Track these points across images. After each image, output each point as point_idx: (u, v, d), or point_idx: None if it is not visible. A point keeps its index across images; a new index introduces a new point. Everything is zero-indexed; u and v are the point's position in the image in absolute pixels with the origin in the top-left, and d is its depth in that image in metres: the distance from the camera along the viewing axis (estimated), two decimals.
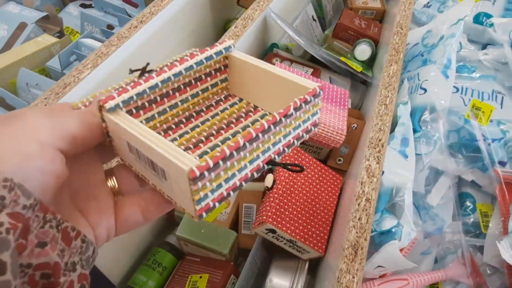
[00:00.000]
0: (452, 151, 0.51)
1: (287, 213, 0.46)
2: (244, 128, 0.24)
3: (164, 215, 0.59)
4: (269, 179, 0.49)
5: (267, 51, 0.75)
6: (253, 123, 0.25)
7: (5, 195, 0.16)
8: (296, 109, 0.21)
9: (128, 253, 0.53)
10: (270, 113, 0.26)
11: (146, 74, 0.23)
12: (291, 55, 0.72)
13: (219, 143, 0.23)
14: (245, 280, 0.47)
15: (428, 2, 0.71)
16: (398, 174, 0.43)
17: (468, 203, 0.51)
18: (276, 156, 0.22)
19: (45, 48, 0.63)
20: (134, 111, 0.22)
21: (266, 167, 0.21)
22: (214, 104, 0.26)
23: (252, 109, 0.26)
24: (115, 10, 0.73)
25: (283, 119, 0.21)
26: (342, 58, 0.66)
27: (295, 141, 0.23)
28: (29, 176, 0.17)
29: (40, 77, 0.57)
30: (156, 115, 0.24)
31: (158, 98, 0.23)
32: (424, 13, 0.70)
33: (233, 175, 0.19)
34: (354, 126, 0.54)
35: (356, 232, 0.38)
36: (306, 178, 0.50)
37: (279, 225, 0.45)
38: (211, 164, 0.17)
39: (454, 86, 0.55)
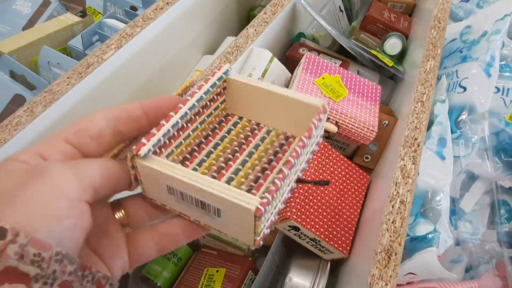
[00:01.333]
0: (490, 154, 0.48)
1: (312, 210, 0.44)
2: (256, 147, 0.26)
3: None
4: None
5: (293, 40, 0.72)
6: (262, 140, 0.26)
7: (56, 268, 0.16)
8: (316, 128, 0.22)
9: None
10: (274, 129, 0.27)
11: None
12: (318, 45, 0.69)
13: (240, 167, 0.24)
14: (264, 277, 0.45)
15: None
16: (434, 177, 0.41)
17: (503, 211, 0.48)
18: (300, 174, 0.24)
19: (68, 27, 0.62)
20: (157, 151, 0.23)
21: (295, 185, 0.24)
22: (217, 126, 0.27)
23: (255, 127, 0.27)
24: None
25: (308, 141, 0.22)
26: (373, 51, 0.63)
27: (311, 155, 0.25)
28: (62, 239, 0.17)
29: (62, 56, 0.56)
30: (174, 149, 0.24)
31: (176, 133, 0.24)
32: (461, 8, 0.66)
33: (279, 201, 0.21)
34: (385, 123, 0.52)
35: (390, 236, 0.36)
36: (332, 175, 0.48)
37: (304, 223, 0.43)
38: (270, 198, 0.19)
39: (495, 86, 0.51)
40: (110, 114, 0.21)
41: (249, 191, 0.22)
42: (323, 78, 0.51)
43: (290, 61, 0.65)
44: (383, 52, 0.71)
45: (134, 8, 0.69)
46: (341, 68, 0.54)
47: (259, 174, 0.23)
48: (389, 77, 0.73)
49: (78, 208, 0.18)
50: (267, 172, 0.23)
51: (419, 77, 0.50)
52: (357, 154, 0.54)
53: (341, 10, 0.88)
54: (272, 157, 0.25)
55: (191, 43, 0.66)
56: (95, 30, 0.60)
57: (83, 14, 0.71)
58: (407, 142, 0.43)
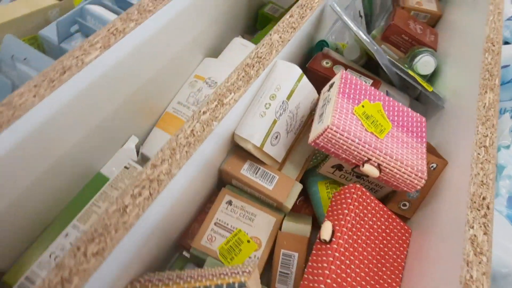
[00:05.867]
0: None
1: (349, 279, 0.35)
2: None
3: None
4: (327, 228, 0.37)
5: (312, 49, 0.62)
6: None
7: None
8: None
9: None
10: None
11: None
12: (343, 57, 0.59)
13: None
14: None
15: None
16: (507, 249, 0.32)
17: None
18: None
19: (40, 11, 0.49)
20: None
21: None
22: None
23: None
24: None
25: None
26: (410, 72, 0.54)
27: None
28: None
29: (30, 49, 0.43)
30: None
31: None
32: (508, 27, 0.58)
33: None
34: (432, 166, 0.43)
35: None
36: (371, 230, 0.38)
37: None
38: None
39: None
40: None
41: None
42: (363, 106, 0.41)
43: (310, 74, 0.55)
44: (412, 71, 0.62)
45: None
46: (381, 93, 0.45)
47: None
48: (415, 98, 0.64)
49: None
50: None
51: (478, 114, 0.41)
52: (392, 199, 0.45)
53: (360, 15, 0.78)
54: None
55: (192, 43, 0.54)
56: (74, 19, 0.48)
57: None
58: (474, 202, 0.34)
